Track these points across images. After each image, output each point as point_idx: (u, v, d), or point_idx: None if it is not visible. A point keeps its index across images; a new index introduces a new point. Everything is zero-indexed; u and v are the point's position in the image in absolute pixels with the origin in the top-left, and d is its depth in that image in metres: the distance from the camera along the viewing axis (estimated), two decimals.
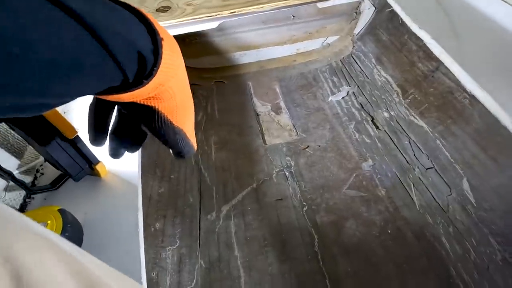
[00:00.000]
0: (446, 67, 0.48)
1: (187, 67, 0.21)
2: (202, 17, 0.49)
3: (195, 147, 0.24)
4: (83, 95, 0.15)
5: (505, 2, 0.45)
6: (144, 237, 0.39)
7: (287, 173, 0.52)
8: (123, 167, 0.33)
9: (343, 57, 0.73)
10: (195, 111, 0.22)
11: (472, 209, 0.40)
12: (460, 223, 0.40)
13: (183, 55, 0.21)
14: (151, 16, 0.17)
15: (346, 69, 0.70)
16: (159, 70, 0.16)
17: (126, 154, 0.23)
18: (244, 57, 0.75)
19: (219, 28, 0.69)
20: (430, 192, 0.44)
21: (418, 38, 0.55)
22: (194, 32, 0.68)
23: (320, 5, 0.51)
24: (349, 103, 0.63)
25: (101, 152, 0.31)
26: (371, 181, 0.48)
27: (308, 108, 0.65)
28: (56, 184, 0.36)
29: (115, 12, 0.15)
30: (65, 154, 0.31)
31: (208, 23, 0.50)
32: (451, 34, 0.45)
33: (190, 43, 0.70)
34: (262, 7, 0.50)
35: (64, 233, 0.28)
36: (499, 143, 0.38)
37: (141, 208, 0.28)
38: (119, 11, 0.15)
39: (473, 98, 0.42)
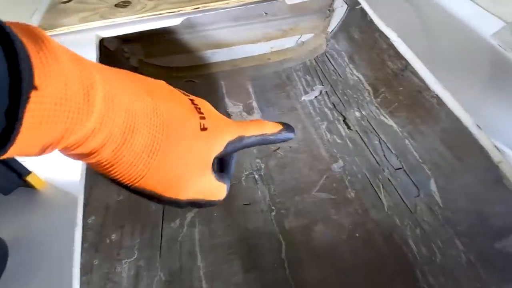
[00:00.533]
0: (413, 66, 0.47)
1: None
2: (164, 13, 0.47)
3: (214, 196, 0.21)
4: None
5: (474, 2, 0.45)
6: (97, 250, 0.36)
7: (256, 176, 0.50)
8: (66, 176, 0.30)
9: (317, 56, 0.72)
10: None
11: (438, 210, 0.39)
12: (427, 225, 0.39)
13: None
14: (46, 41, 0.11)
15: (320, 67, 0.69)
16: (23, 124, 0.11)
17: (69, 160, 0.20)
18: (216, 55, 0.73)
19: (189, 25, 0.67)
20: (398, 193, 0.43)
21: (387, 36, 0.55)
22: (162, 28, 0.65)
23: (288, 1, 0.50)
24: (322, 102, 0.62)
25: (34, 161, 0.28)
26: (341, 183, 0.47)
27: (281, 108, 0.64)
28: None
29: None
30: None
31: (171, 20, 0.47)
32: (420, 33, 0.44)
33: (158, 41, 0.67)
34: (227, 3, 0.48)
35: None
36: (464, 142, 0.38)
37: (80, 223, 0.26)
38: None
39: (439, 98, 0.42)
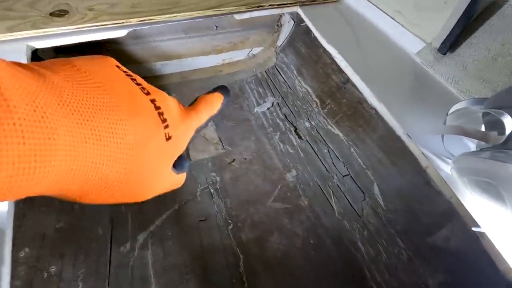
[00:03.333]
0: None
1: None
2: (106, 24, 0.44)
3: (173, 187, 0.21)
4: None
5: (397, 22, 0.50)
6: (32, 287, 0.32)
7: (212, 190, 0.49)
8: None
9: (267, 68, 0.74)
10: None
11: (382, 212, 0.43)
12: (372, 226, 0.42)
13: (95, 65, 0.16)
14: None
15: (271, 80, 0.72)
16: None
17: None
18: (165, 68, 0.71)
19: (135, 36, 0.64)
20: (347, 198, 0.46)
21: (329, 52, 0.59)
22: (105, 39, 0.61)
23: (237, 16, 0.51)
24: (274, 114, 0.64)
25: None
26: (295, 192, 0.49)
27: (235, 120, 0.64)
28: None
29: None
30: None
31: (114, 31, 0.45)
32: (356, 49, 0.48)
33: (100, 52, 0.63)
34: (175, 16, 0.47)
35: None
36: (398, 149, 0.42)
37: (9, 260, 0.23)
38: None
39: (376, 109, 0.46)
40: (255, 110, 0.66)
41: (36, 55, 0.46)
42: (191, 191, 0.49)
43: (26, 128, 0.10)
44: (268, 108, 0.66)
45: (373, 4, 0.52)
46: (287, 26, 0.72)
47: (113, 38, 0.62)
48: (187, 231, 0.44)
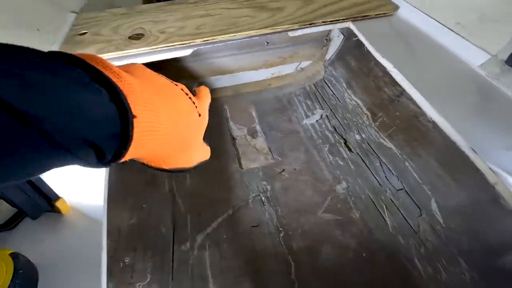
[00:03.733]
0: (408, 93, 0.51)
1: None
2: (175, 44, 0.50)
3: (205, 157, 0.27)
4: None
5: (457, 34, 0.49)
6: (111, 274, 0.37)
7: (263, 198, 0.52)
8: (88, 200, 0.31)
9: (316, 81, 0.76)
10: None
11: (441, 229, 0.41)
12: (430, 244, 0.41)
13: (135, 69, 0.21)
14: (117, 70, 0.16)
15: (319, 92, 0.73)
16: (131, 144, 0.15)
17: (92, 185, 0.23)
18: (219, 81, 0.76)
19: (194, 54, 0.70)
20: (401, 213, 0.45)
21: (383, 65, 0.59)
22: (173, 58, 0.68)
23: (291, 34, 0.54)
24: (323, 126, 0.65)
25: (62, 186, 0.29)
26: (345, 204, 0.49)
27: (283, 131, 0.66)
28: (11, 223, 0.34)
29: (58, 98, 0.12)
30: (20, 192, 0.29)
31: (181, 51, 0.50)
32: (410, 62, 0.48)
33: (166, 67, 0.71)
34: (234, 35, 0.52)
35: (15, 280, 0.25)
36: (459, 165, 0.40)
37: (105, 246, 0.27)
38: (64, 98, 0.12)
39: (435, 122, 0.45)
40: (304, 122, 0.67)
41: None
42: (244, 198, 0.52)
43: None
44: (317, 120, 0.67)
45: (430, 17, 0.52)
46: (336, 40, 0.73)
47: (179, 57, 0.70)
48: (240, 235, 0.46)
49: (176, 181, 0.54)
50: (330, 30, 0.72)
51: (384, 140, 0.54)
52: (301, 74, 0.79)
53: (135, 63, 0.23)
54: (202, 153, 0.26)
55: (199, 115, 0.23)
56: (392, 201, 0.47)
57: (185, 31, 0.52)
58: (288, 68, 0.79)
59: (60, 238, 0.29)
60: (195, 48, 0.51)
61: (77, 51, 0.49)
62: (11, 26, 0.48)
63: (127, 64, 0.22)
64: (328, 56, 0.75)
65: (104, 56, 0.49)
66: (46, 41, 0.52)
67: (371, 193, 0.49)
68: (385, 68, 0.56)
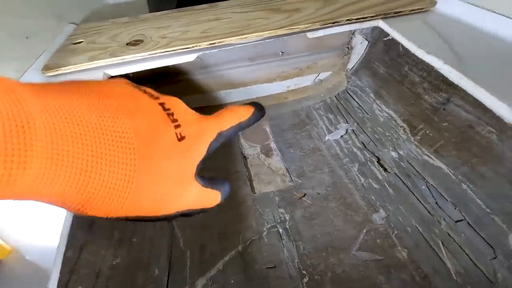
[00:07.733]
0: (461, 98, 0.41)
1: None
2: (177, 49, 0.43)
3: (205, 203, 0.19)
4: None
5: (496, 13, 0.40)
6: None
7: (281, 230, 0.42)
8: (37, 240, 0.22)
9: (337, 93, 0.67)
10: None
11: None
12: None
13: (166, 93, 0.17)
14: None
15: (342, 105, 0.64)
16: None
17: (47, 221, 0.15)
18: (231, 95, 0.69)
19: (202, 65, 0.64)
20: (466, 254, 0.34)
21: (421, 68, 0.50)
22: (174, 68, 0.62)
23: (310, 35, 0.46)
24: (349, 142, 0.55)
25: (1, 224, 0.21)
26: (387, 239, 0.38)
27: (303, 149, 0.57)
28: None
29: None
30: None
31: (184, 56, 0.44)
32: (461, 59, 0.38)
33: (171, 82, 0.65)
34: (246, 37, 0.45)
35: None
36: None
37: None
38: None
39: (502, 132, 0.35)
40: (326, 138, 0.58)
41: None
42: (257, 230, 0.42)
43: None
44: (342, 136, 0.57)
45: (478, 6, 0.43)
46: (360, 47, 0.66)
47: (182, 68, 0.64)
48: (253, 280, 0.36)
49: None
50: (351, 37, 0.65)
51: (430, 157, 0.43)
52: (320, 86, 0.71)
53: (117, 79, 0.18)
54: (191, 196, 0.18)
55: (181, 137, 0.17)
56: (450, 236, 0.36)
57: (189, 35, 0.46)
58: (305, 80, 0.71)
59: None
60: (200, 53, 0.44)
61: (68, 59, 0.44)
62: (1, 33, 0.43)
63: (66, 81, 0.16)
64: (350, 65, 0.67)
65: (96, 64, 0.42)
66: (35, 49, 0.47)
67: (420, 225, 0.38)
68: (424, 72, 0.47)
